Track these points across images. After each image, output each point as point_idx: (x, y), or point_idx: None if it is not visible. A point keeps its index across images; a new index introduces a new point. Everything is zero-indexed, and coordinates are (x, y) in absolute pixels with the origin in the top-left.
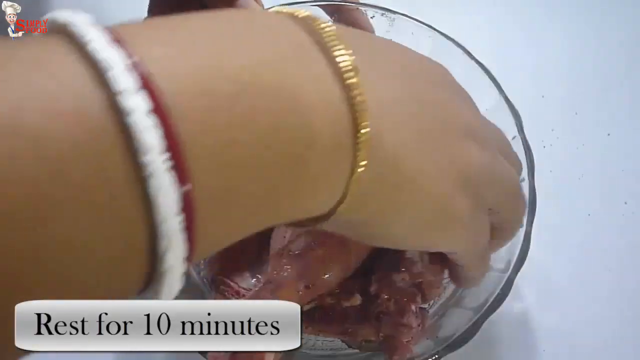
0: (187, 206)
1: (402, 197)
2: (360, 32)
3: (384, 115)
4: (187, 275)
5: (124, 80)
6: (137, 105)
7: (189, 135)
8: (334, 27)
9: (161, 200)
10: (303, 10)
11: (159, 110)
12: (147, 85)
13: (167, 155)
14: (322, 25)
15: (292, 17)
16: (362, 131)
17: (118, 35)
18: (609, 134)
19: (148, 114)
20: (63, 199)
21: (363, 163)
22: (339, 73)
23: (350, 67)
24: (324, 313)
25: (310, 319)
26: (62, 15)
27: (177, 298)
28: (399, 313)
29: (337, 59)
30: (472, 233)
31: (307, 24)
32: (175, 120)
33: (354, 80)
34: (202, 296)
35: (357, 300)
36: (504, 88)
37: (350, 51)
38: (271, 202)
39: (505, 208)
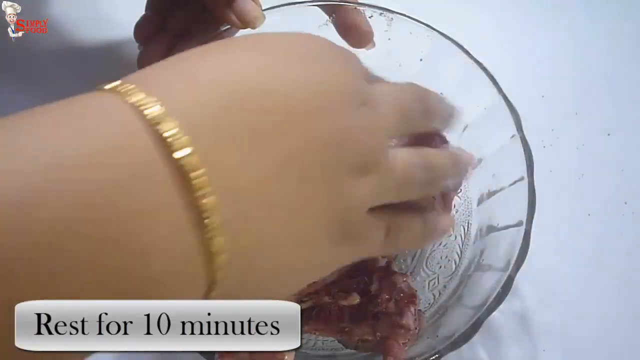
0: None
1: (268, 283)
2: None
3: (239, 217)
4: None
5: None
6: None
7: None
8: (174, 127)
9: None
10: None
11: None
12: None
13: None
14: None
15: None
16: (217, 262)
17: None
18: (609, 134)
19: None
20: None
21: (219, 279)
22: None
23: (202, 196)
24: (321, 312)
25: (307, 318)
26: None
27: None
28: (398, 314)
29: (190, 179)
30: (355, 256)
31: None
32: None
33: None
34: None
35: (355, 299)
36: (503, 88)
37: (197, 161)
38: None
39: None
